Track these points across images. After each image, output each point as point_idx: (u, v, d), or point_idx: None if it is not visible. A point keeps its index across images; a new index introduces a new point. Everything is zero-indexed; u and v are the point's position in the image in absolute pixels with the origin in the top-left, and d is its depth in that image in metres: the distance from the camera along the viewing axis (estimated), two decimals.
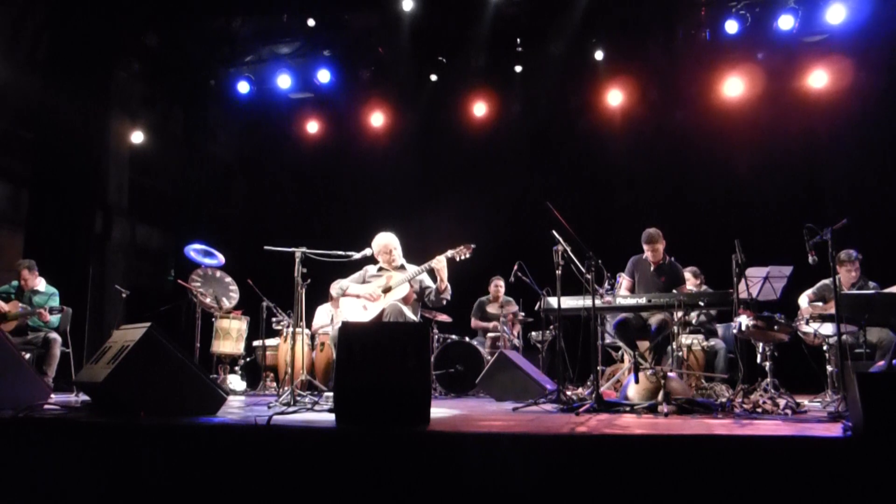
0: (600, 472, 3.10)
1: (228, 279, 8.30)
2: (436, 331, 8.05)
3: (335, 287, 6.02)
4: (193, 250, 8.20)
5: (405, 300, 5.70)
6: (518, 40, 9.80)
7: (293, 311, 5.92)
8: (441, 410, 5.13)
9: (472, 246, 5.85)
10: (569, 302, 5.88)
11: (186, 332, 7.83)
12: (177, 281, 8.44)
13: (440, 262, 5.71)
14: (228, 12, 9.97)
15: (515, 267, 7.18)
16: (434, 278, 5.85)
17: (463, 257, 5.84)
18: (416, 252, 6.14)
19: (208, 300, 7.95)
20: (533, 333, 8.55)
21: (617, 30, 9.47)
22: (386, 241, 5.97)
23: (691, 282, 7.28)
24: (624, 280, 6.78)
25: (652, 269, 6.62)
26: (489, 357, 7.45)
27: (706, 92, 9.51)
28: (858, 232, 5.44)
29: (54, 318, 7.16)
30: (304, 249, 5.74)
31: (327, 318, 8.45)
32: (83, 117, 9.10)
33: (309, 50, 10.26)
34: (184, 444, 3.53)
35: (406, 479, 3.20)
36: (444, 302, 5.90)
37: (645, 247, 6.60)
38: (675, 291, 6.34)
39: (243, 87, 10.51)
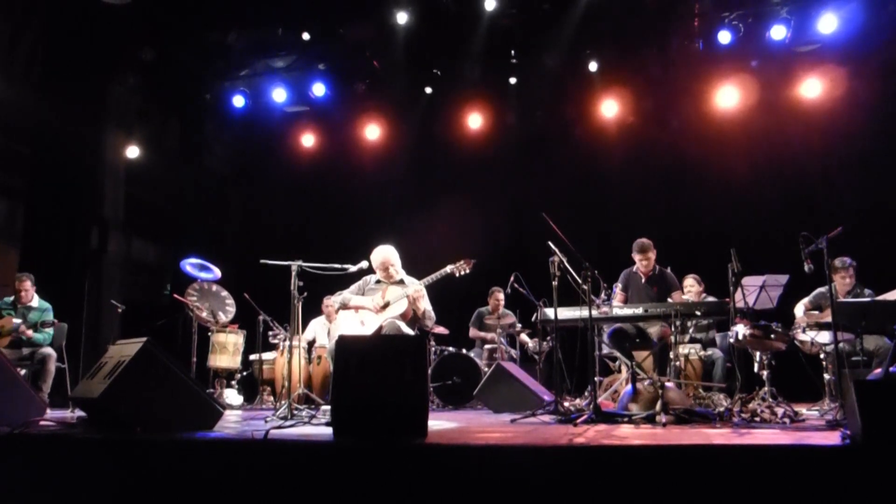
0: (599, 483, 3.09)
1: (224, 293, 8.29)
2: (433, 343, 8.05)
3: (336, 299, 6.01)
4: (189, 264, 8.19)
5: (403, 316, 5.69)
6: (512, 52, 9.85)
7: (290, 324, 5.91)
8: (438, 423, 5.11)
9: (473, 261, 5.85)
10: (566, 313, 5.86)
11: (183, 347, 7.80)
12: (173, 295, 8.41)
13: (418, 292, 5.71)
14: (224, 26, 10.00)
15: (512, 278, 7.19)
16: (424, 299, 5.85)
17: (463, 272, 5.85)
18: (413, 264, 6.14)
19: (204, 314, 7.93)
20: (530, 344, 8.55)
21: (611, 41, 9.52)
22: (384, 257, 5.92)
23: (695, 288, 7.28)
24: (617, 293, 6.78)
25: (643, 280, 6.62)
26: (486, 369, 7.44)
27: (700, 102, 9.56)
28: (853, 239, 5.45)
29: (39, 336, 7.12)
30: (300, 263, 5.73)
31: (318, 331, 8.44)
32: (79, 131, 9.10)
33: (304, 63, 10.29)
34: (180, 459, 3.51)
35: (404, 492, 3.18)
36: (427, 327, 5.91)
37: (636, 256, 6.60)
38: (670, 300, 6.35)
39: (238, 100, 10.53)
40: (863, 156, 8.69)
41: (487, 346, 8.42)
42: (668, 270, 6.75)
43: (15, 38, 8.95)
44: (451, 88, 10.28)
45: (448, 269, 5.82)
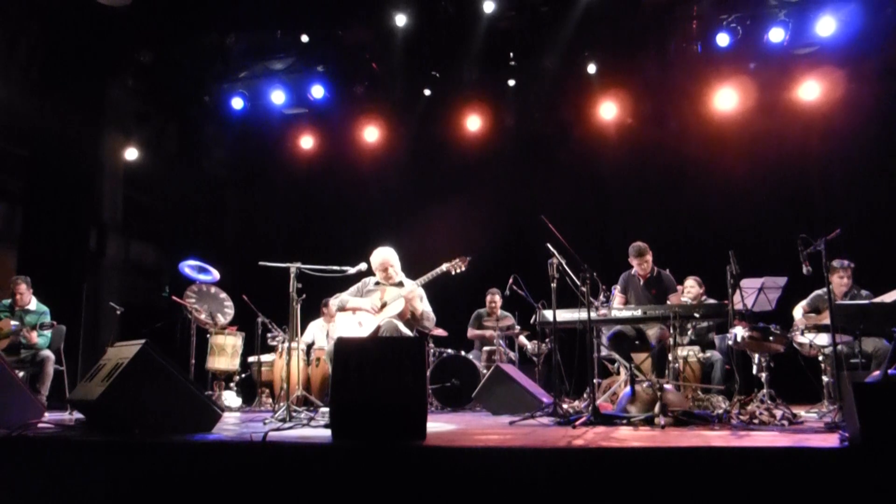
0: (598, 486, 3.09)
1: (223, 295, 8.29)
2: (432, 345, 8.05)
3: (334, 301, 6.01)
4: (188, 266, 8.19)
5: (401, 315, 5.69)
6: (511, 54, 9.85)
7: (288, 326, 5.90)
8: (437, 425, 5.11)
9: (468, 258, 5.85)
10: (565, 315, 5.86)
11: (181, 349, 7.81)
12: (171, 297, 8.41)
13: (412, 293, 5.71)
14: (222, 29, 9.99)
15: (511, 280, 7.19)
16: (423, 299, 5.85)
17: (459, 270, 5.85)
18: (412, 267, 6.14)
19: (203, 316, 7.93)
20: (529, 346, 8.54)
21: (609, 43, 9.52)
22: (384, 258, 5.92)
23: (695, 290, 7.28)
24: (617, 296, 6.78)
25: (642, 283, 6.63)
26: (485, 371, 7.43)
27: (699, 104, 9.55)
28: (852, 241, 5.46)
29: (41, 340, 7.12)
30: (298, 265, 5.73)
31: (317, 333, 8.43)
32: (77, 134, 9.09)
33: (302, 65, 10.28)
34: (179, 461, 3.51)
35: (403, 495, 3.18)
36: (427, 329, 5.92)
37: (633, 261, 6.61)
38: (668, 301, 6.35)
39: (237, 102, 10.53)
40: (861, 158, 8.69)
41: (486, 348, 8.41)
42: (667, 272, 6.75)
43: (14, 40, 8.95)
44: (450, 90, 10.28)
45: (444, 267, 5.82)
